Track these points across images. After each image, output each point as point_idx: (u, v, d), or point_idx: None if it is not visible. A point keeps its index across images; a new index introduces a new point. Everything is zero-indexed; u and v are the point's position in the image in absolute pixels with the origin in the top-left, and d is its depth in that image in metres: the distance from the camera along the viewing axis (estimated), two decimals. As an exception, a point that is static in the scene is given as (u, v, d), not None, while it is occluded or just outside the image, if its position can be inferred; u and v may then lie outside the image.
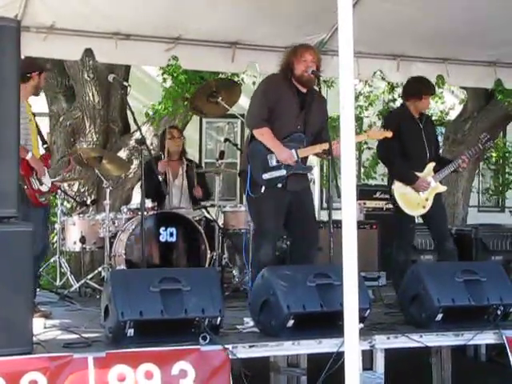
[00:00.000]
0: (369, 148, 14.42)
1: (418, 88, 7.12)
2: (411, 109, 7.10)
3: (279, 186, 5.98)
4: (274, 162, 5.99)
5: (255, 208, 6.11)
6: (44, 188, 6.22)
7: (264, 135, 6.02)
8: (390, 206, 7.75)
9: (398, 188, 6.95)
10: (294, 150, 6.02)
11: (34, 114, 6.40)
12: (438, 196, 7.06)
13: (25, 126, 6.03)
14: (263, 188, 5.95)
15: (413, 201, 6.93)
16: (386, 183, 7.79)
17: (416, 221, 7.18)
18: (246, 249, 7.48)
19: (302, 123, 6.10)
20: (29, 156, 6.05)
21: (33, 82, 6.28)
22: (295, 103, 6.10)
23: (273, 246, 6.03)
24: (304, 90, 6.15)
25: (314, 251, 6.11)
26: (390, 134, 6.50)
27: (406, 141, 6.94)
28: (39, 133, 6.40)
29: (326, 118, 6.27)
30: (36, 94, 6.59)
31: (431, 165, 7.06)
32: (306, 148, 6.08)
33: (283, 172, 6.00)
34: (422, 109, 7.20)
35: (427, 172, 7.01)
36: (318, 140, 6.14)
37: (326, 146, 5.93)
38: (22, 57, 5.88)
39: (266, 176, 5.96)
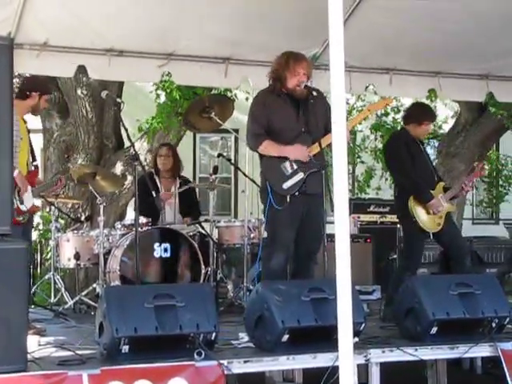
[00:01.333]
0: (362, 162, 14.46)
1: (419, 114, 7.19)
2: (412, 133, 7.13)
3: (296, 193, 5.98)
4: (289, 170, 6.01)
5: (275, 218, 6.06)
6: (23, 208, 6.14)
7: (267, 147, 6.05)
8: (388, 219, 7.76)
9: (414, 204, 6.93)
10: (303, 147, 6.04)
11: (29, 131, 6.39)
12: (449, 214, 7.09)
13: (15, 143, 6.01)
14: (288, 197, 5.96)
15: (429, 218, 6.94)
16: (380, 197, 7.82)
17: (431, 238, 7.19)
18: (247, 264, 7.49)
19: (305, 124, 6.10)
20: (15, 173, 6.02)
21: (31, 102, 6.28)
22: (290, 110, 6.12)
23: (286, 256, 6.02)
24: (297, 95, 6.16)
25: (314, 258, 6.09)
26: (390, 101, 6.51)
27: (415, 162, 6.99)
28: (31, 150, 6.38)
29: (328, 120, 6.21)
30: (34, 114, 6.59)
31: (441, 184, 7.12)
32: (313, 145, 6.05)
33: (301, 175, 6.01)
34: (421, 135, 7.24)
35: (437, 191, 7.04)
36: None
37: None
38: (16, 74, 5.91)
39: (286, 185, 5.98)
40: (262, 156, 6.17)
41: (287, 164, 6.02)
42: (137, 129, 10.07)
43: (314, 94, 6.22)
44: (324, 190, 5.95)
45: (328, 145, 6.00)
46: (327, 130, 6.03)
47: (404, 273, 6.79)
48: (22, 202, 6.11)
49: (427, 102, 13.33)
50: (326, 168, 6.25)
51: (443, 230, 6.98)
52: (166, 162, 8.40)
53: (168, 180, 8.44)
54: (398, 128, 14.29)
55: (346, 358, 4.04)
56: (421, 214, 6.91)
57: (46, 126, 10.20)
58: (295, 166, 6.02)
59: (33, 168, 6.38)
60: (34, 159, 6.46)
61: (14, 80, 5.41)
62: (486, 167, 7.18)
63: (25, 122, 6.33)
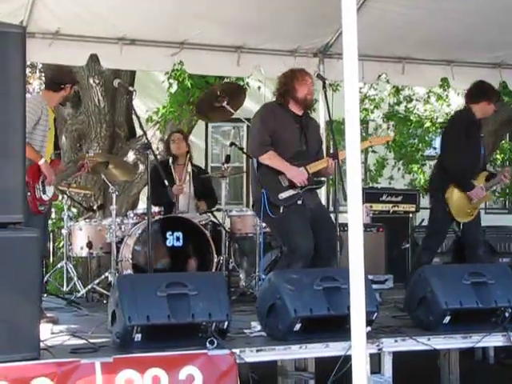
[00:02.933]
0: (374, 151, 14.42)
1: (490, 92, 7.03)
2: (477, 113, 6.98)
3: (299, 202, 6.01)
4: (286, 182, 6.04)
5: (281, 227, 6.06)
6: (45, 197, 6.20)
7: (271, 159, 6.06)
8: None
9: (452, 193, 6.89)
10: (303, 168, 6.05)
11: (55, 119, 6.41)
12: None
13: (44, 133, 6.05)
14: (282, 208, 5.97)
15: (464, 208, 6.93)
16: (392, 186, 7.78)
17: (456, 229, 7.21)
18: (259, 253, 7.48)
19: (305, 144, 6.18)
20: (42, 162, 6.06)
21: (64, 93, 6.31)
22: (295, 127, 6.18)
23: (303, 264, 5.90)
24: (300, 113, 6.22)
25: (334, 263, 6.06)
26: (390, 138, 6.54)
27: (469, 147, 6.87)
28: (55, 139, 6.41)
29: (321, 140, 6.43)
30: (63, 104, 6.64)
31: (484, 173, 7.08)
32: (314, 163, 6.11)
33: (298, 190, 6.04)
34: (487, 114, 7.13)
35: (480, 180, 7.01)
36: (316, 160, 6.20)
37: (329, 161, 6.03)
38: (28, 63, 5.92)
39: (282, 196, 6.00)
40: (259, 165, 6.13)
41: (284, 176, 6.04)
42: (146, 119, 10.06)
43: (312, 119, 6.35)
44: (336, 180, 5.95)
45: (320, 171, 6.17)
46: (317, 155, 6.28)
47: (422, 253, 6.79)
48: (44, 192, 6.15)
49: (440, 90, 13.40)
50: (322, 185, 6.37)
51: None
52: (179, 145, 8.38)
53: (182, 167, 8.41)
54: (411, 117, 14.35)
55: (358, 348, 4.04)
56: (455, 204, 6.88)
57: (59, 115, 10.19)
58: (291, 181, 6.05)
59: (53, 157, 6.40)
60: (56, 148, 6.48)
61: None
62: None
63: (53, 112, 6.35)
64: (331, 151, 6.12)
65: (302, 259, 5.92)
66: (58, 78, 6.29)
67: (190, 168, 8.41)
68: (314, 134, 6.32)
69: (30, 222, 5.90)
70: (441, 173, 7.01)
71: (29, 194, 6.02)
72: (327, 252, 6.06)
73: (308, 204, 6.08)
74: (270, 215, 5.97)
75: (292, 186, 6.03)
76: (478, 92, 7.06)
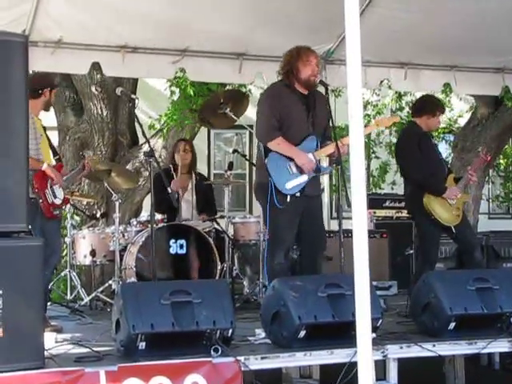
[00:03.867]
0: (377, 157, 14.41)
1: (433, 105, 7.12)
2: (421, 125, 7.06)
3: (297, 194, 5.98)
4: (294, 170, 5.98)
5: (275, 218, 6.04)
6: (57, 201, 6.24)
7: (280, 144, 5.99)
8: (402, 214, 7.73)
9: (430, 201, 6.88)
10: (311, 154, 6.03)
11: (45, 128, 6.42)
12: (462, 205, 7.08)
13: (36, 141, 6.06)
14: (289, 197, 5.94)
15: (447, 211, 6.90)
16: (395, 192, 7.75)
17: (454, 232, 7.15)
18: (264, 259, 7.48)
19: (312, 125, 6.10)
20: (44, 166, 6.08)
21: (44, 98, 6.32)
22: (302, 108, 6.09)
23: (286, 255, 6.01)
24: (306, 92, 6.14)
25: (319, 261, 6.10)
26: (397, 119, 6.53)
27: (425, 156, 6.92)
28: (51, 146, 6.42)
29: (329, 116, 6.17)
30: (47, 109, 6.62)
31: (451, 176, 7.08)
32: (320, 149, 6.07)
33: (305, 177, 5.99)
34: (433, 127, 7.23)
35: (449, 183, 7.01)
36: (324, 138, 6.15)
37: (340, 144, 5.90)
38: (31, 72, 5.92)
39: (289, 184, 5.95)
40: (267, 151, 6.06)
41: (292, 164, 5.99)
42: (148, 126, 10.05)
43: (319, 92, 6.22)
44: (339, 186, 5.95)
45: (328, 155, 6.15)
46: (324, 133, 6.19)
47: (423, 268, 6.77)
48: (55, 196, 6.17)
49: (442, 96, 13.38)
50: (328, 172, 6.34)
51: (459, 223, 6.95)
52: (186, 156, 8.36)
53: (185, 176, 8.41)
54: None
55: (364, 354, 4.01)
56: (439, 211, 6.87)
57: (61, 124, 10.21)
58: (300, 168, 6.01)
59: (54, 162, 6.40)
60: (55, 154, 6.50)
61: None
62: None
63: (40, 120, 6.35)
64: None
65: (284, 250, 5.99)
66: (34, 84, 6.27)
67: (193, 176, 8.41)
68: (322, 111, 6.13)
69: (46, 228, 5.94)
70: (414, 190, 7.02)
71: (41, 200, 6.05)
72: (309, 248, 6.14)
73: (308, 191, 6.03)
74: (277, 205, 5.92)
75: (299, 173, 5.98)
76: (420, 106, 7.21)
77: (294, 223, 6.03)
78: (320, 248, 6.15)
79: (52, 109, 9.63)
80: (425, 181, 6.93)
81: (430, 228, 6.92)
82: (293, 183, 5.96)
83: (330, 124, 6.18)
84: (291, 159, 5.99)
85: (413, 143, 6.96)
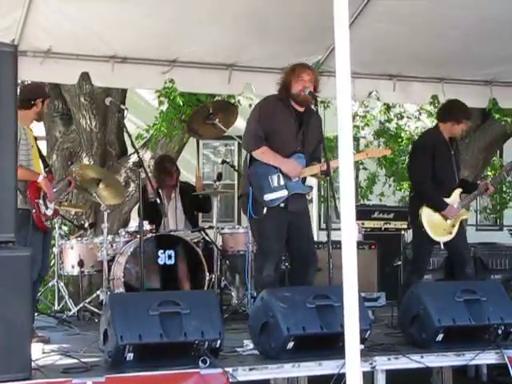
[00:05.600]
0: (365, 168, 14.43)
1: (460, 111, 7.01)
2: (444, 132, 6.99)
3: (281, 205, 5.97)
4: (275, 183, 5.97)
5: (258, 229, 6.09)
6: (49, 212, 6.22)
7: (264, 153, 5.99)
8: (387, 225, 7.73)
9: (427, 213, 6.87)
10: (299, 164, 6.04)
11: (36, 138, 6.42)
12: (461, 222, 7.04)
13: (27, 152, 6.04)
14: (265, 209, 5.92)
15: (440, 227, 6.89)
16: (384, 203, 7.76)
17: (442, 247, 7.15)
18: (247, 270, 7.46)
19: (301, 144, 6.09)
20: (40, 179, 6.07)
21: (36, 109, 6.30)
22: (293, 123, 6.08)
23: (274, 267, 5.99)
24: (301, 109, 6.13)
25: (312, 272, 6.10)
26: (388, 152, 6.51)
27: (438, 166, 6.88)
28: (41, 157, 6.41)
29: (322, 137, 6.21)
30: (39, 119, 6.62)
31: (458, 190, 7.01)
32: (305, 168, 6.07)
33: (285, 192, 5.98)
34: (457, 134, 7.09)
35: (454, 198, 6.96)
36: (312, 159, 6.14)
37: (324, 166, 5.92)
38: (19, 81, 5.91)
39: (268, 196, 5.93)
40: (252, 160, 6.07)
41: (275, 177, 5.97)
42: (136, 137, 10.04)
43: (315, 114, 6.20)
44: (328, 197, 5.94)
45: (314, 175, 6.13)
46: (314, 153, 6.17)
47: (410, 278, 6.79)
48: (47, 207, 6.16)
49: (430, 108, 13.42)
50: (310, 191, 6.32)
51: (454, 237, 6.95)
52: (171, 179, 8.39)
53: (169, 186, 8.43)
54: (402, 134, 14.37)
55: (352, 365, 4.02)
56: (430, 225, 6.86)
57: (50, 134, 10.19)
58: (282, 182, 5.98)
59: (44, 173, 6.38)
60: (46, 165, 6.48)
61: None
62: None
63: (31, 130, 6.34)
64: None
65: (272, 264, 5.94)
66: (26, 95, 6.27)
67: (177, 188, 8.42)
68: (314, 132, 6.14)
69: (35, 239, 5.92)
70: (414, 196, 7.06)
71: (34, 211, 6.03)
72: (299, 262, 6.12)
73: (291, 208, 6.02)
74: (252, 215, 5.93)
75: (280, 187, 5.97)
76: (446, 112, 7.11)
77: (279, 235, 6.00)
78: (312, 264, 6.12)
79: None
80: (427, 194, 6.91)
81: (421, 238, 6.93)
82: (272, 196, 5.95)
83: (321, 146, 6.17)
84: (274, 171, 5.98)
85: (426, 153, 6.92)
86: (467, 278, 6.87)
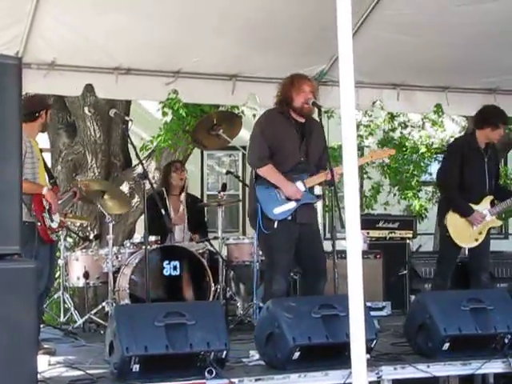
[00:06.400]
0: (369, 177, 14.42)
1: (497, 116, 7.01)
2: (480, 138, 6.99)
3: (289, 218, 5.98)
4: (282, 196, 5.99)
5: (268, 243, 6.08)
6: (54, 225, 6.22)
7: (268, 173, 6.02)
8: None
9: (452, 218, 6.93)
10: (300, 182, 6.04)
11: (41, 150, 6.43)
12: (489, 229, 7.07)
13: (33, 165, 6.05)
14: (276, 223, 5.94)
15: (465, 233, 6.94)
16: (388, 212, 7.77)
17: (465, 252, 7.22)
18: (255, 281, 7.48)
19: (304, 154, 6.10)
20: (45, 191, 6.07)
21: (41, 120, 6.32)
22: (295, 135, 6.10)
23: (285, 279, 6.00)
24: (302, 120, 6.15)
25: (322, 284, 6.08)
26: (393, 152, 6.56)
27: (467, 172, 6.91)
28: (46, 169, 6.42)
29: (325, 145, 6.20)
30: (43, 130, 6.64)
31: (489, 198, 7.03)
32: (311, 177, 6.07)
33: (293, 204, 6.00)
34: (495, 139, 7.06)
35: (484, 205, 6.99)
36: (319, 168, 6.14)
37: (329, 175, 5.92)
38: (24, 94, 5.92)
39: (277, 210, 5.95)
40: (257, 177, 6.12)
41: (281, 191, 6.01)
42: (140, 148, 10.05)
43: (317, 123, 6.20)
44: (333, 207, 5.93)
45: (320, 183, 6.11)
46: (320, 162, 6.17)
47: (434, 279, 6.83)
48: (52, 220, 6.16)
49: (434, 116, 13.42)
50: (319, 199, 6.31)
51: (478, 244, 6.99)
52: (182, 175, 8.42)
53: (176, 197, 8.44)
54: (406, 143, 14.36)
55: (359, 375, 4.01)
56: (455, 230, 6.91)
57: (54, 145, 10.21)
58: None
59: (49, 186, 6.38)
60: (51, 177, 6.50)
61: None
62: None
63: (36, 143, 6.35)
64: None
65: (282, 277, 5.95)
66: (30, 107, 6.28)
67: (182, 197, 8.43)
68: (317, 140, 6.14)
69: (41, 252, 5.92)
70: (442, 200, 7.15)
71: (39, 223, 6.04)
72: (311, 272, 6.12)
73: (300, 219, 6.03)
74: (264, 231, 5.94)
75: (287, 200, 5.99)
76: (481, 118, 7.09)
77: (289, 248, 6.01)
78: (321, 276, 6.09)
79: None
80: (453, 200, 6.96)
81: (446, 242, 7.01)
82: (280, 209, 5.97)
83: (326, 155, 6.15)
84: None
85: (456, 155, 6.96)
86: (481, 285, 6.89)
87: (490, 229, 7.08)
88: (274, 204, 5.97)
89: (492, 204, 7.05)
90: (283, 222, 5.96)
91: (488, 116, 7.02)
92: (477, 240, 6.95)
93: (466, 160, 6.91)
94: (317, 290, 6.04)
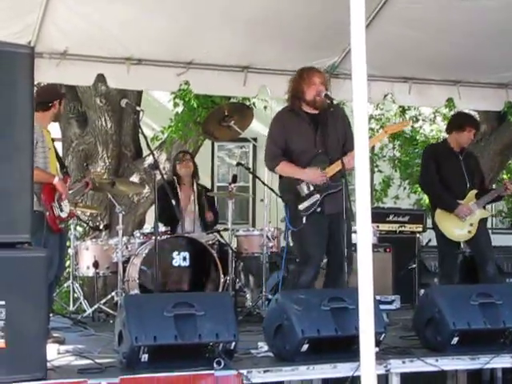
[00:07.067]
0: (380, 171, 14.41)
1: (461, 120, 7.34)
2: (452, 143, 7.26)
3: (318, 210, 5.97)
4: (305, 191, 5.99)
5: (298, 239, 6.09)
6: (63, 214, 6.23)
7: (283, 168, 6.06)
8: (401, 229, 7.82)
9: (440, 215, 7.11)
10: (318, 169, 6.00)
11: (53, 140, 6.43)
12: (482, 221, 7.18)
13: (45, 154, 6.06)
14: (304, 218, 5.95)
15: (456, 227, 7.07)
16: (398, 206, 7.81)
17: (462, 247, 7.35)
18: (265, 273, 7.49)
19: (322, 145, 6.05)
20: (55, 180, 6.08)
21: (54, 110, 6.32)
22: (308, 129, 6.07)
23: (315, 272, 5.98)
24: (315, 112, 6.13)
25: (344, 276, 5.98)
26: (408, 124, 6.62)
27: (444, 173, 7.12)
28: (58, 158, 6.43)
29: (348, 128, 6.04)
30: (56, 120, 6.64)
31: (473, 192, 7.17)
32: (329, 167, 6.00)
33: (317, 196, 5.98)
34: (464, 142, 7.28)
35: (469, 199, 7.12)
36: (345, 152, 6.00)
37: (345, 160, 5.85)
38: (36, 83, 5.93)
39: (302, 206, 5.96)
40: (280, 176, 6.19)
41: (304, 185, 6.00)
42: (151, 138, 10.06)
43: (332, 108, 6.12)
44: (345, 205, 5.86)
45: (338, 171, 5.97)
46: (346, 144, 6.06)
47: (440, 281, 6.89)
48: (61, 210, 6.17)
49: (445, 111, 13.38)
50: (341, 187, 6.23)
51: (474, 238, 7.11)
52: (188, 165, 8.42)
53: (187, 187, 8.44)
54: (417, 137, 14.38)
55: (367, 368, 4.00)
56: (446, 226, 7.06)
57: (65, 135, 10.22)
58: (311, 188, 5.99)
59: (61, 175, 6.40)
60: (63, 166, 6.51)
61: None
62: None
63: (49, 132, 6.36)
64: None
65: (313, 269, 5.95)
66: (44, 97, 6.28)
67: (195, 187, 8.43)
68: (336, 127, 6.07)
69: (50, 241, 5.93)
70: (430, 203, 7.34)
71: (48, 213, 6.04)
72: (334, 266, 6.09)
73: (328, 210, 6.00)
74: (291, 229, 5.98)
75: (311, 194, 5.99)
76: (449, 123, 7.62)
77: (320, 241, 6.00)
78: (344, 270, 6.04)
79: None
80: (435, 197, 7.22)
81: (441, 240, 7.17)
82: (306, 204, 5.97)
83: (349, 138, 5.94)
84: (301, 180, 5.99)
85: (427, 159, 7.30)
86: (489, 277, 6.93)
87: (482, 220, 7.20)
88: (299, 200, 5.98)
89: (477, 197, 7.18)
90: (312, 216, 5.95)
91: (454, 120, 7.51)
92: (470, 232, 7.08)
93: (440, 161, 7.17)
94: (338, 282, 5.99)
